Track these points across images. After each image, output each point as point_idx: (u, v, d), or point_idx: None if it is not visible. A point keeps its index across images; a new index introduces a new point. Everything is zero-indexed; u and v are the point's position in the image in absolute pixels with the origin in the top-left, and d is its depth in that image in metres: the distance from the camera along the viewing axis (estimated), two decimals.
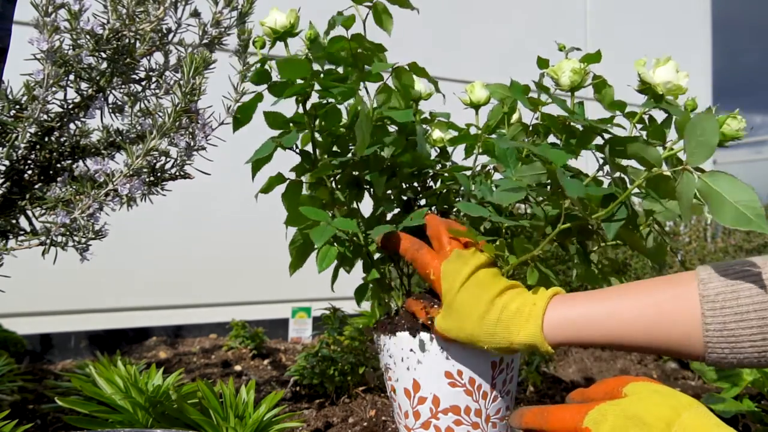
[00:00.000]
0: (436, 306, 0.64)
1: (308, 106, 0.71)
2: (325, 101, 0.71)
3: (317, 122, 0.72)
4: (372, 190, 0.75)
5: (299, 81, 0.68)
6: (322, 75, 0.69)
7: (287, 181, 0.74)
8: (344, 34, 0.70)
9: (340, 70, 0.71)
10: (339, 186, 0.75)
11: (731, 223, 0.50)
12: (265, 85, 0.69)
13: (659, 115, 0.68)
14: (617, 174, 0.67)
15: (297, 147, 0.75)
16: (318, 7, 0.80)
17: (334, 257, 0.67)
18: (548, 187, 0.65)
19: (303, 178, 0.76)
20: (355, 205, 0.75)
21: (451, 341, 0.63)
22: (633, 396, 0.48)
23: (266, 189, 0.73)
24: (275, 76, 0.69)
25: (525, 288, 0.62)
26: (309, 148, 0.75)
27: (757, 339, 0.49)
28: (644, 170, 0.61)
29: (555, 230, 0.63)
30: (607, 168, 0.68)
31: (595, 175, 0.69)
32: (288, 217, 0.73)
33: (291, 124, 0.74)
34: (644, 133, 0.68)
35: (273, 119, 0.73)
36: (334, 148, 0.76)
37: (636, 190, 0.63)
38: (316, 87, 0.68)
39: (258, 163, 0.72)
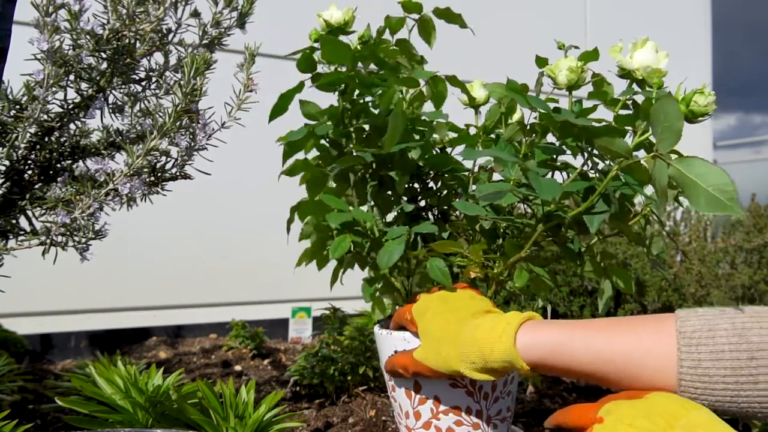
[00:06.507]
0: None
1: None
2: (362, 100, 0.73)
3: (351, 116, 0.74)
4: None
5: (341, 69, 0.70)
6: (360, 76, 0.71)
7: (303, 174, 0.76)
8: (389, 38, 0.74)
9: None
10: (363, 181, 0.76)
11: (706, 208, 0.49)
12: (309, 75, 0.71)
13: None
14: (599, 164, 0.67)
15: (327, 138, 0.76)
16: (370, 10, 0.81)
17: (347, 247, 0.68)
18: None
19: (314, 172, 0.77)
20: (373, 202, 0.76)
21: (432, 376, 0.63)
22: (649, 397, 0.51)
23: (291, 172, 0.75)
24: (320, 68, 0.71)
25: (502, 312, 0.62)
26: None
27: (729, 381, 0.49)
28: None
29: (539, 230, 0.63)
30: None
31: (581, 168, 0.67)
32: (305, 206, 0.74)
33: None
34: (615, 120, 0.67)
35: (308, 109, 0.75)
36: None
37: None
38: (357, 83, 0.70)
39: (291, 146, 0.73)
